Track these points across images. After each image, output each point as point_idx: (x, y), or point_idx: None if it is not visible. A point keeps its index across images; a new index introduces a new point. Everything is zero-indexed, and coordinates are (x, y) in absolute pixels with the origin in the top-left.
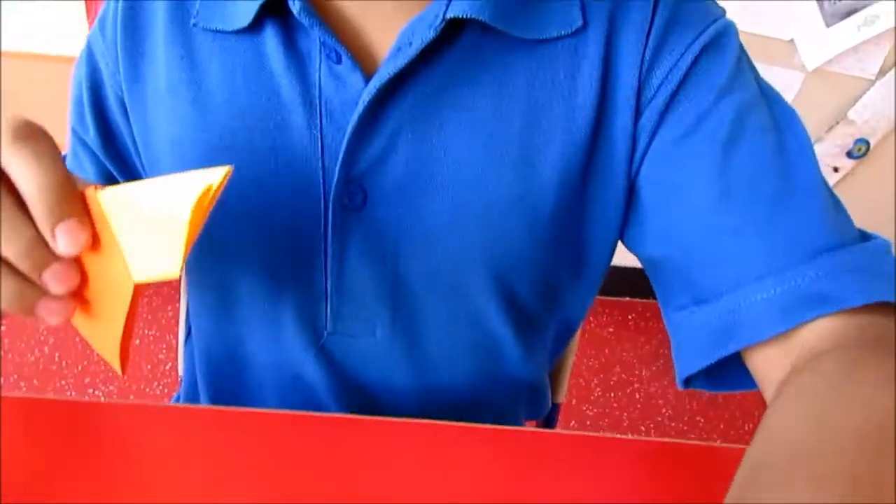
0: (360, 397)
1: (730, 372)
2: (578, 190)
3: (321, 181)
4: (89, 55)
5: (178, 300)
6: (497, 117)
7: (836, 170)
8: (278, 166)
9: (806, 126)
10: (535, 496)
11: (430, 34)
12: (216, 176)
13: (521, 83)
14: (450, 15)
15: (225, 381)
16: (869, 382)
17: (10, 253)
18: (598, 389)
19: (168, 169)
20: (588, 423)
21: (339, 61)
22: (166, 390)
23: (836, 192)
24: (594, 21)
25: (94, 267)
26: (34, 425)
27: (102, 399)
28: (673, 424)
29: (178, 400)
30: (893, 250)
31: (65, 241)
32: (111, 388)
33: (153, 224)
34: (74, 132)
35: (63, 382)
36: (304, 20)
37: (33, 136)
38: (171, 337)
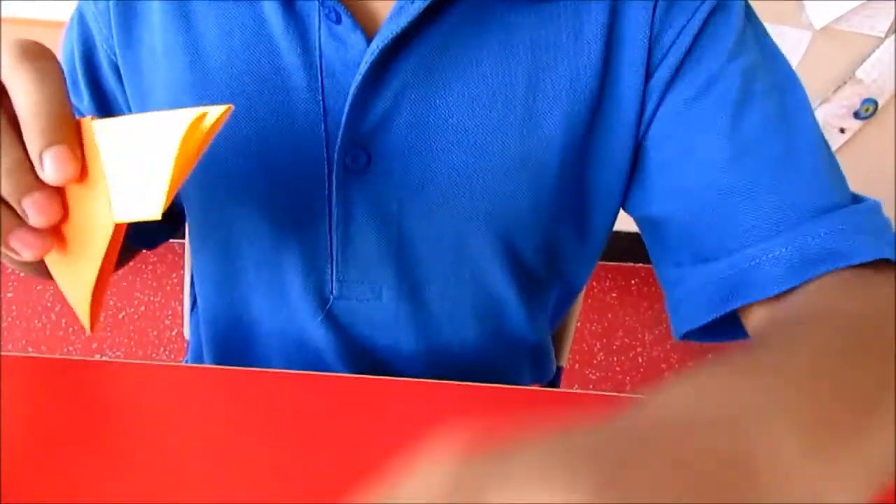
0: (366, 360)
1: (725, 325)
2: (583, 151)
3: (324, 144)
4: (81, 21)
5: (183, 267)
6: (500, 77)
7: (842, 131)
8: (280, 130)
9: (813, 86)
10: None
11: None
12: (213, 113)
13: (524, 43)
14: None
15: (230, 347)
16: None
17: (5, 184)
18: (601, 354)
19: None
20: (591, 386)
21: (338, 21)
22: (172, 356)
23: (843, 153)
24: None
25: (77, 203)
26: (40, 384)
27: None
28: None
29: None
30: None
31: (52, 167)
32: (118, 353)
33: (141, 160)
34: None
35: (70, 348)
36: None
37: (39, 56)
38: (177, 304)
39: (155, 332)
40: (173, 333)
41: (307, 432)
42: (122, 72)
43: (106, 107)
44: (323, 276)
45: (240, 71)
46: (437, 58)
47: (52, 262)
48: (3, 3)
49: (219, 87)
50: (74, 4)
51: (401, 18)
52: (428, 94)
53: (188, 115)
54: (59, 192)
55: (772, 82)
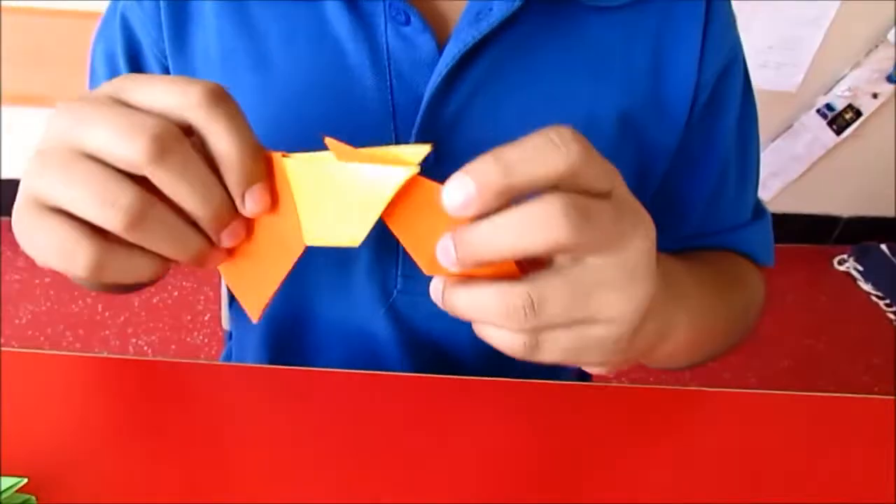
0: (427, 352)
1: None
2: (633, 153)
3: (393, 144)
4: (124, 25)
5: None
6: (564, 80)
7: (874, 96)
8: (350, 131)
9: (844, 51)
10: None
11: (515, 3)
12: (417, 157)
13: (585, 49)
14: None
15: (287, 340)
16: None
17: (201, 212)
18: None
19: None
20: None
21: (406, 22)
22: (206, 340)
23: (876, 120)
24: None
25: (263, 223)
26: (95, 384)
27: (146, 349)
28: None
29: (228, 357)
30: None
31: (252, 205)
32: (153, 338)
33: (343, 195)
34: None
35: (107, 332)
36: None
37: (226, 99)
38: (209, 289)
39: (189, 317)
40: (206, 318)
41: (371, 432)
42: (172, 74)
43: None
44: (388, 271)
45: (306, 72)
46: (508, 60)
47: (227, 268)
48: None
49: (285, 89)
50: None
51: (481, 24)
52: (497, 95)
53: (399, 174)
54: (247, 218)
55: (746, 114)
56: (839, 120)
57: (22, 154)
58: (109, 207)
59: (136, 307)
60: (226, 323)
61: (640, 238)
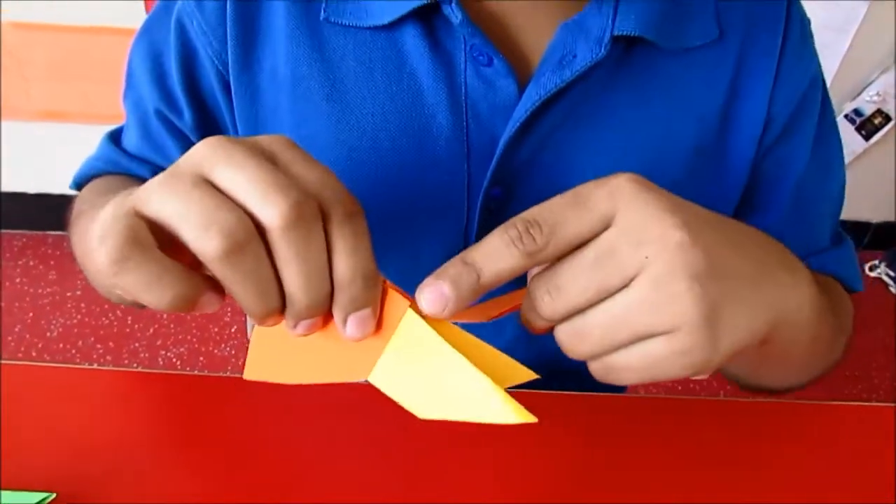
0: None
1: None
2: (707, 185)
3: (466, 183)
4: (180, 32)
5: None
6: (638, 121)
7: None
8: (423, 169)
9: (872, 55)
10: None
11: (601, 52)
12: (524, 416)
13: (660, 90)
14: (618, 32)
15: None
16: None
17: (296, 296)
18: None
19: None
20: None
21: (489, 63)
22: (233, 351)
23: None
24: (729, 33)
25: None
26: (122, 398)
27: (175, 361)
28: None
29: None
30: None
31: (353, 331)
32: (182, 349)
33: (438, 375)
34: (158, 113)
35: (136, 344)
36: (464, 30)
37: (359, 215)
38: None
39: (216, 329)
40: (233, 330)
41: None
42: (233, 90)
43: (210, 122)
44: None
45: (382, 105)
46: (584, 102)
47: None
48: (2, 6)
49: (360, 120)
50: (77, 7)
51: (564, 72)
52: (572, 136)
53: (509, 419)
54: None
55: (825, 138)
56: (868, 125)
57: (53, 169)
58: (211, 229)
59: (165, 320)
60: (251, 334)
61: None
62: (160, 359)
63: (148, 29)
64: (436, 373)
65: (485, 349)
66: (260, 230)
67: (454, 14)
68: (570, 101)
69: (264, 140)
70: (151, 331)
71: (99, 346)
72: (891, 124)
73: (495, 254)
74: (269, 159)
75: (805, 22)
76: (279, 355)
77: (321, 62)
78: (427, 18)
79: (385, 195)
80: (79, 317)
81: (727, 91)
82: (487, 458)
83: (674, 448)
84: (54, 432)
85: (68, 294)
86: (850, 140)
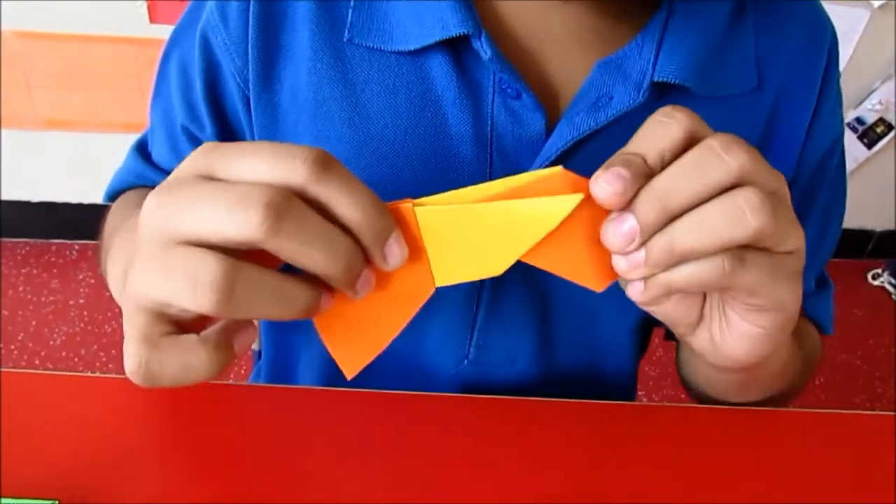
0: None
1: None
2: None
3: None
4: (205, 47)
5: None
6: None
7: None
8: None
9: (874, 64)
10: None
11: (639, 98)
12: (573, 202)
13: None
14: (657, 78)
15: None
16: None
17: (332, 271)
18: (660, 350)
19: None
20: (650, 382)
21: (517, 97)
22: (236, 358)
23: None
24: (767, 82)
25: (381, 271)
26: (129, 405)
27: None
28: None
29: (257, 376)
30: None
31: (394, 258)
32: None
33: (483, 232)
34: (184, 129)
35: None
36: (494, 66)
37: (334, 162)
38: None
39: None
40: None
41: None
42: (252, 107)
43: (232, 139)
44: (460, 341)
45: (404, 131)
46: (614, 144)
47: (325, 323)
48: (2, 14)
49: (381, 146)
50: (80, 15)
51: (598, 115)
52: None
53: (569, 202)
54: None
55: (836, 193)
56: (870, 133)
57: (56, 178)
58: (198, 287)
59: None
60: (255, 344)
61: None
62: None
63: (178, 39)
64: (481, 234)
65: (502, 186)
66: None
67: (484, 50)
68: (600, 143)
69: (193, 161)
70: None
71: (102, 354)
72: (893, 133)
73: (651, 135)
74: (207, 176)
75: (838, 77)
76: (355, 339)
77: (343, 84)
78: (455, 47)
79: None
80: (81, 325)
81: (758, 143)
82: (492, 465)
83: (677, 455)
84: (56, 440)
85: (71, 302)
86: (853, 149)
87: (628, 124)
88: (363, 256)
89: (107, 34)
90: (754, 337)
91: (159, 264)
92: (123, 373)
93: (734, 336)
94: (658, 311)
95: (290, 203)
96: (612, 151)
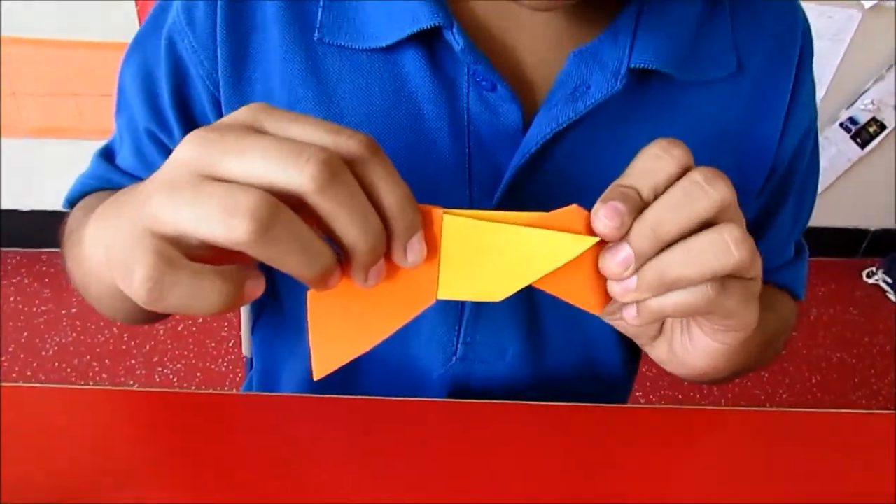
0: None
1: None
2: None
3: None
4: (171, 50)
5: None
6: None
7: None
8: (422, 193)
9: (866, 65)
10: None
11: (616, 85)
12: (588, 243)
13: (674, 123)
14: (634, 65)
15: (333, 387)
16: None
17: (360, 244)
18: None
19: None
20: (648, 383)
21: (492, 89)
22: (230, 367)
23: None
24: (746, 68)
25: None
26: (124, 416)
27: (172, 377)
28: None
29: (249, 386)
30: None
31: (414, 257)
32: (179, 366)
33: (497, 254)
34: (148, 132)
35: (133, 361)
36: (467, 57)
37: (382, 151)
38: (232, 315)
39: (213, 344)
40: (230, 345)
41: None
42: (223, 111)
43: None
44: (449, 338)
45: (380, 129)
46: (597, 134)
47: (318, 311)
48: (2, 21)
49: None
50: (69, 22)
51: (577, 104)
52: (583, 169)
53: (585, 242)
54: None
55: (811, 168)
56: (863, 133)
57: (47, 186)
58: (236, 217)
59: (162, 336)
60: (246, 350)
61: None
62: (157, 375)
63: (139, 44)
64: (496, 255)
65: (523, 217)
66: (286, 199)
67: (456, 40)
68: (580, 132)
69: (242, 115)
70: (148, 347)
71: (95, 363)
72: (885, 132)
73: (647, 169)
74: (260, 130)
75: (811, 64)
76: (341, 334)
77: (316, 84)
78: (427, 41)
79: None
80: (74, 335)
81: (738, 127)
82: (486, 470)
83: (676, 457)
84: (49, 452)
85: (63, 312)
86: (846, 148)
87: (609, 111)
88: (385, 246)
89: (96, 40)
90: (716, 351)
91: (191, 192)
92: (117, 383)
93: (696, 350)
94: (619, 325)
95: (342, 169)
96: (593, 140)
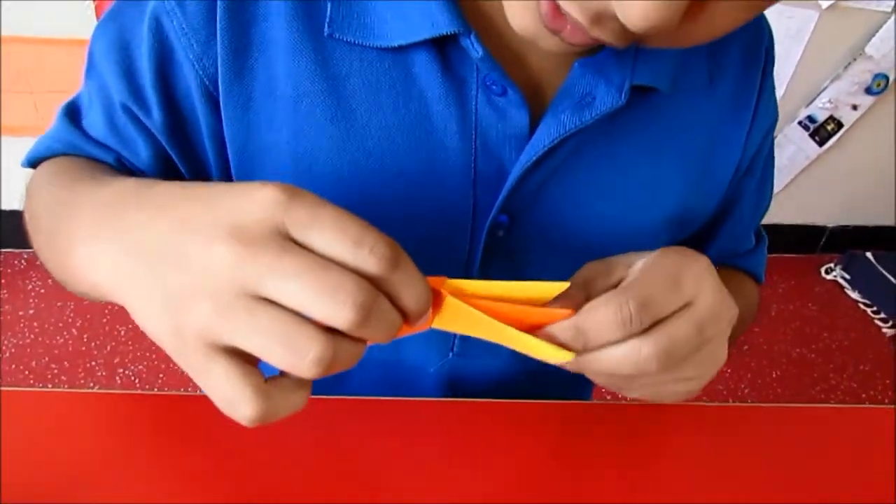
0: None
1: None
2: (686, 213)
3: (471, 209)
4: (156, 29)
5: None
6: (636, 157)
7: (854, 107)
8: (428, 192)
9: (823, 64)
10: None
11: (621, 100)
12: (564, 357)
13: (658, 129)
14: (636, 82)
15: (325, 380)
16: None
17: (382, 340)
18: None
19: (286, 180)
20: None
21: (502, 93)
22: None
23: (856, 130)
24: (718, 79)
25: None
26: (84, 419)
27: (133, 379)
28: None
29: None
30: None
31: (417, 325)
32: (141, 367)
33: (485, 333)
34: (125, 108)
35: (92, 363)
36: (484, 65)
37: (403, 256)
38: None
39: None
40: None
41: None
42: (222, 99)
43: (181, 126)
44: (447, 335)
45: (388, 127)
46: (591, 140)
47: None
48: (2, 21)
49: (365, 141)
50: (28, 18)
51: (584, 113)
52: (578, 171)
53: (557, 359)
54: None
55: (769, 157)
56: (821, 131)
57: (5, 184)
58: (297, 356)
59: (123, 337)
60: None
61: (718, 340)
62: (118, 377)
63: (117, 14)
64: (485, 334)
65: (515, 309)
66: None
67: (475, 49)
68: (580, 139)
69: (263, 213)
70: (108, 349)
71: (54, 365)
72: (843, 130)
73: (606, 329)
74: (296, 242)
75: (772, 70)
76: None
77: (325, 79)
78: (440, 43)
79: (388, 217)
80: (31, 336)
81: (714, 130)
82: (477, 467)
83: (671, 453)
84: (6, 456)
85: (20, 313)
86: (805, 146)
87: (606, 122)
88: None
89: (53, 37)
90: (680, 394)
91: (246, 317)
92: (77, 385)
93: (661, 396)
94: (589, 375)
95: (374, 304)
96: (590, 146)
